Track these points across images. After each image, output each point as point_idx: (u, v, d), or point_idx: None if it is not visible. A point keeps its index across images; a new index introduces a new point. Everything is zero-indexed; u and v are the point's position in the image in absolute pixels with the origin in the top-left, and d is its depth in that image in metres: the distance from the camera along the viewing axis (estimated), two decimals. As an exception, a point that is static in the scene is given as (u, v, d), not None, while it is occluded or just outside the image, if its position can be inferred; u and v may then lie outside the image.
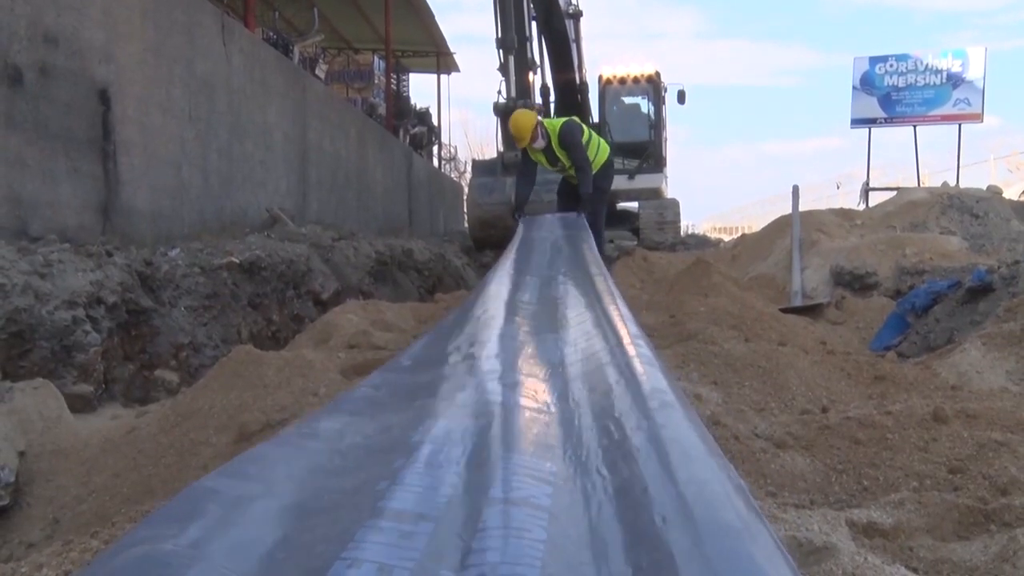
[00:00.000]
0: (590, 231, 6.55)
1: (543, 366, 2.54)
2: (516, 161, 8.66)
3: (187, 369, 4.76)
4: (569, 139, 7.79)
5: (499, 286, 4.27)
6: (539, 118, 7.93)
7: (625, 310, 3.08)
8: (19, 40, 4.87)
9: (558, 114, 13.48)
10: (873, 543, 1.81)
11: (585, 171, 7.86)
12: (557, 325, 3.23)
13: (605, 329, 2.82)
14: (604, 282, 3.95)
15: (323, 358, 3.55)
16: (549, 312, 3.59)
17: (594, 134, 8.23)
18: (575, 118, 8.11)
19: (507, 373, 2.33)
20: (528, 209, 8.11)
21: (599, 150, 8.07)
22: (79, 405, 3.73)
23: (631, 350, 2.37)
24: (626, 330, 2.62)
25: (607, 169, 8.21)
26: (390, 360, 2.75)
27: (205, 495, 1.40)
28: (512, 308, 3.65)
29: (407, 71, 22.67)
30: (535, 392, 2.19)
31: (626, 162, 12.64)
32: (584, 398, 2.13)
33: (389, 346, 4.05)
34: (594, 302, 3.44)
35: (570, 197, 8.24)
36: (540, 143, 7.88)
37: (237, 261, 5.77)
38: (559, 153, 7.97)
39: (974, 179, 24.59)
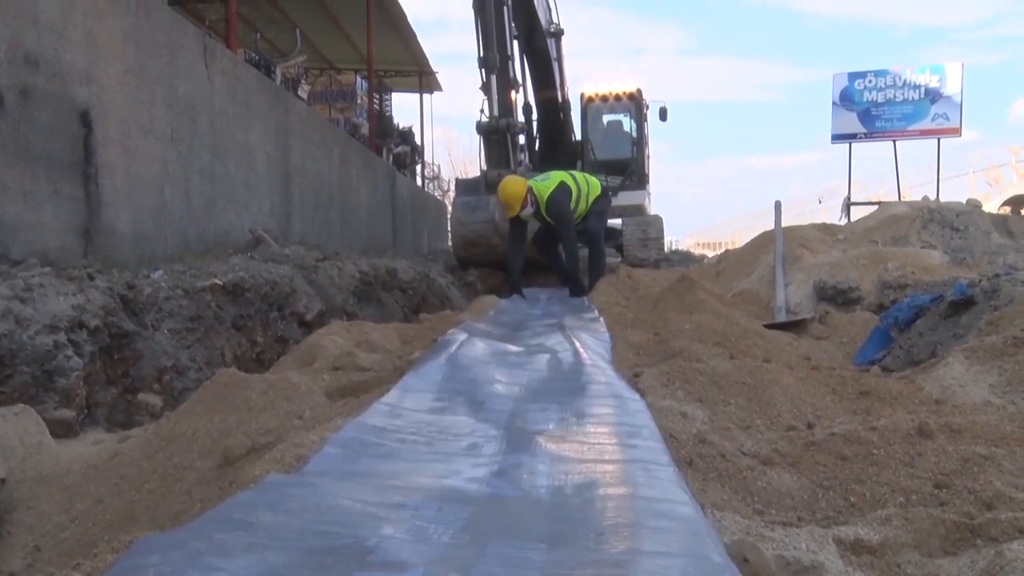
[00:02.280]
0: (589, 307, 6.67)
1: (530, 429, 2.56)
2: (499, 180, 8.69)
3: (171, 392, 4.71)
4: (556, 211, 8.05)
5: (488, 342, 4.34)
6: (528, 184, 8.02)
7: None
8: (-1, 63, 4.85)
9: (540, 133, 13.57)
10: (861, 560, 1.81)
11: (569, 242, 8.09)
12: (546, 391, 3.26)
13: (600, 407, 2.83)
14: (590, 353, 3.98)
15: (308, 380, 3.53)
16: (537, 376, 3.64)
17: (579, 178, 8.44)
18: (563, 180, 8.18)
19: (495, 430, 2.35)
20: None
21: (589, 189, 8.33)
22: (61, 430, 3.67)
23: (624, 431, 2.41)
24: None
25: (602, 199, 8.53)
26: (374, 404, 2.74)
27: (190, 538, 1.39)
28: (499, 363, 3.70)
29: (389, 91, 22.72)
30: (522, 451, 2.20)
31: (609, 179, 12.77)
32: (572, 465, 2.14)
33: (374, 367, 4.03)
34: (584, 375, 3.44)
35: (549, 237, 8.42)
36: (529, 210, 8.01)
37: (220, 283, 5.74)
38: (548, 218, 8.16)
39: (954, 192, 24.78)
